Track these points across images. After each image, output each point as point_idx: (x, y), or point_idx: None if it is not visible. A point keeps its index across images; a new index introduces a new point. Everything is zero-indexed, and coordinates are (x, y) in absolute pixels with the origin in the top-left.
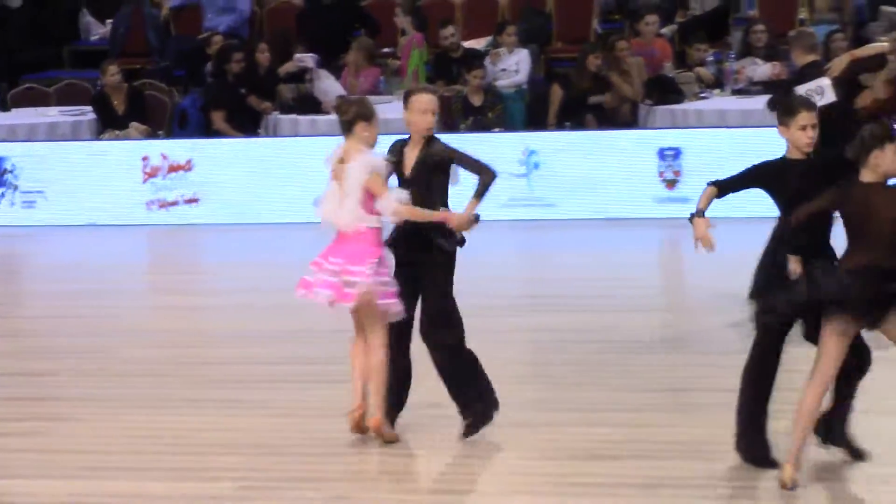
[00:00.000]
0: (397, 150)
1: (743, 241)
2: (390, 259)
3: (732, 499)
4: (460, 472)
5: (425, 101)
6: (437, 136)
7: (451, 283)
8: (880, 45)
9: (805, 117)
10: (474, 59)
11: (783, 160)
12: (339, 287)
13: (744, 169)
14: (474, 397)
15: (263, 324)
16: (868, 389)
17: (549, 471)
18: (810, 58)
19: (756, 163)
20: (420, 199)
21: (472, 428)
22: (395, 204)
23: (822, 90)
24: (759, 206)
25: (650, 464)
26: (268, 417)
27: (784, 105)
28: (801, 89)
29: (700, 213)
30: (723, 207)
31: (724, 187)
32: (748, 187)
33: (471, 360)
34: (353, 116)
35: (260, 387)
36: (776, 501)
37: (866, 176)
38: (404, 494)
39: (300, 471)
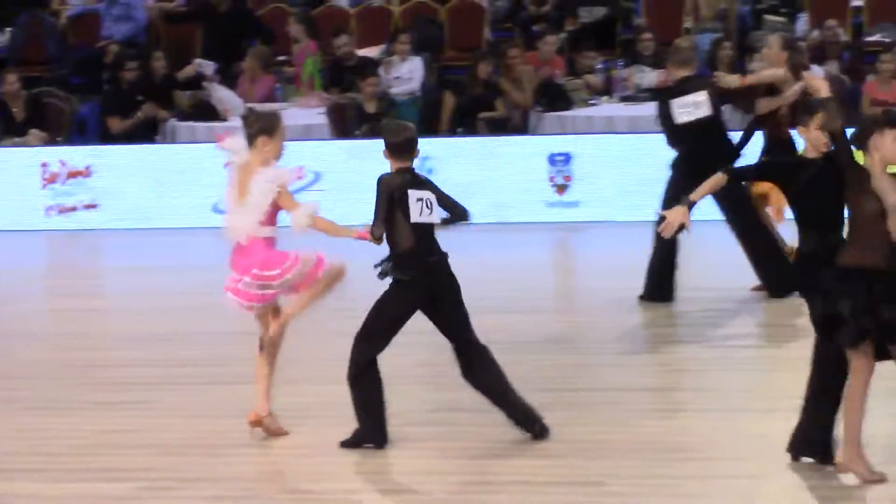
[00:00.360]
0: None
1: (632, 244)
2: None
3: (625, 496)
4: (358, 470)
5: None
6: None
7: (383, 302)
8: (773, 74)
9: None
10: (368, 68)
11: (799, 157)
12: (258, 295)
13: (758, 161)
14: (363, 416)
15: (160, 326)
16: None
17: (446, 470)
18: (684, 72)
19: (771, 158)
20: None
21: (350, 441)
22: (307, 218)
23: (697, 105)
24: (635, 211)
25: (544, 462)
26: (164, 418)
27: (804, 105)
28: (677, 103)
29: (692, 203)
30: (615, 211)
31: (736, 176)
32: (760, 179)
33: (369, 385)
34: (256, 130)
35: (155, 388)
36: (669, 497)
37: (867, 160)
38: (299, 493)
39: (197, 471)
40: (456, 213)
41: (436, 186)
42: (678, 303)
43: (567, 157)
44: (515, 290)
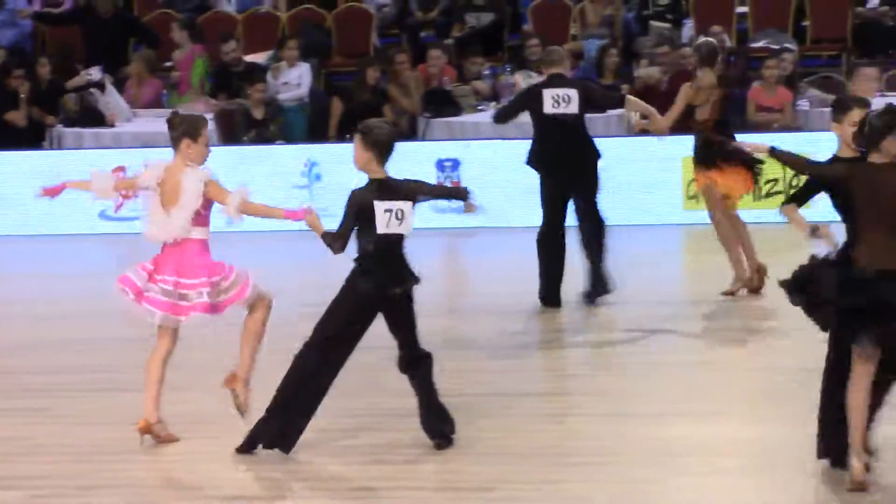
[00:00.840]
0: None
1: (521, 249)
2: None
3: (517, 501)
4: (255, 476)
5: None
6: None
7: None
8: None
9: (857, 114)
10: (255, 73)
11: (834, 159)
12: (172, 304)
13: (805, 181)
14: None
15: (52, 333)
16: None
17: (342, 476)
18: (555, 70)
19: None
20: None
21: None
22: (240, 203)
23: (568, 98)
24: (524, 217)
25: (437, 468)
26: (59, 426)
27: (838, 102)
28: (549, 93)
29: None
30: (504, 216)
31: (800, 200)
32: (816, 194)
33: (292, 384)
34: (180, 133)
35: (49, 395)
36: (562, 502)
37: (875, 158)
38: (192, 501)
39: (92, 478)
40: (457, 195)
41: (423, 184)
42: (568, 308)
43: (455, 163)
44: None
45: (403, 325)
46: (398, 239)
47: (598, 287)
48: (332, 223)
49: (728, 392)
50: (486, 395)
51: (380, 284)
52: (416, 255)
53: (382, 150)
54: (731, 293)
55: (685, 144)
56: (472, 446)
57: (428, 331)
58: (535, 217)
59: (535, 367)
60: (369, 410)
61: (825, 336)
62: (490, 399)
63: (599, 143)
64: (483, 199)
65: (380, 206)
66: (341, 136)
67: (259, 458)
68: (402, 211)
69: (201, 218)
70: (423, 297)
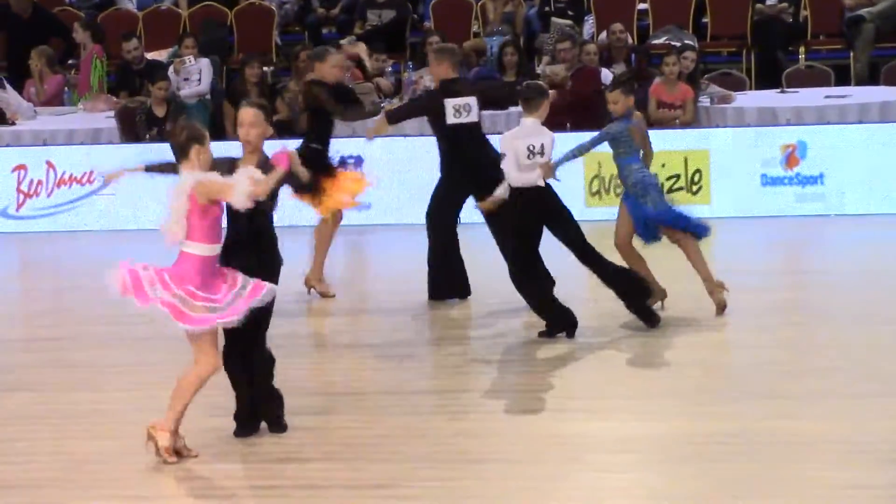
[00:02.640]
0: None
1: (420, 247)
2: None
3: (412, 499)
4: (145, 477)
5: (244, 115)
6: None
7: None
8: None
9: None
10: (157, 71)
11: None
12: (176, 307)
13: None
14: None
15: None
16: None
17: (241, 475)
18: (454, 74)
19: None
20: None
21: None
22: (250, 189)
23: (469, 108)
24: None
25: (329, 465)
26: None
27: None
28: (451, 104)
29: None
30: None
31: None
32: None
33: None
34: (186, 139)
35: None
36: (457, 500)
37: None
38: (89, 500)
39: None
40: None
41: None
42: (463, 304)
43: (358, 160)
44: (303, 293)
45: None
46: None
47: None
48: None
49: (625, 388)
50: (383, 393)
51: None
52: (307, 251)
53: None
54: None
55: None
56: (370, 444)
57: (327, 329)
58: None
59: (432, 364)
60: None
61: (721, 332)
62: (386, 397)
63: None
64: (384, 196)
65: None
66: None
67: (154, 459)
68: None
69: (194, 230)
70: (317, 295)
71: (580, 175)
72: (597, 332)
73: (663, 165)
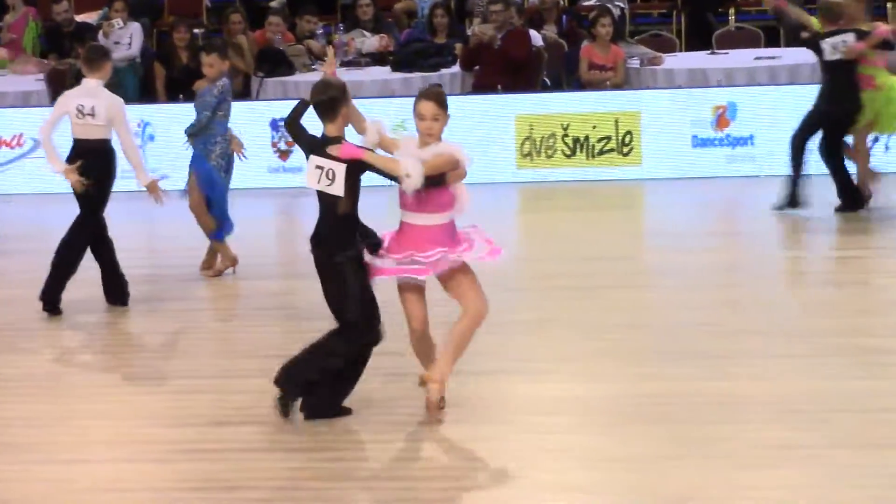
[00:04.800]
0: None
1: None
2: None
3: (346, 460)
4: (81, 439)
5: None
6: None
7: None
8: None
9: None
10: (87, 34)
11: None
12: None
13: None
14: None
15: None
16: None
17: (178, 438)
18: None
19: None
20: None
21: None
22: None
23: None
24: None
25: (276, 429)
26: None
27: None
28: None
29: None
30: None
31: None
32: None
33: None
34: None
35: None
36: (393, 461)
37: None
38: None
39: None
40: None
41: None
42: None
43: None
44: (242, 257)
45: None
46: (327, 199)
47: None
48: (166, 184)
49: (562, 350)
50: None
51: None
52: (250, 216)
53: (316, 111)
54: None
55: (519, 103)
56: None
57: (264, 292)
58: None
59: None
60: (210, 372)
61: (654, 293)
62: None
63: None
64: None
65: (314, 161)
66: (175, 97)
67: (85, 420)
68: (332, 171)
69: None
70: (259, 260)
71: (511, 137)
72: (530, 294)
73: (594, 127)
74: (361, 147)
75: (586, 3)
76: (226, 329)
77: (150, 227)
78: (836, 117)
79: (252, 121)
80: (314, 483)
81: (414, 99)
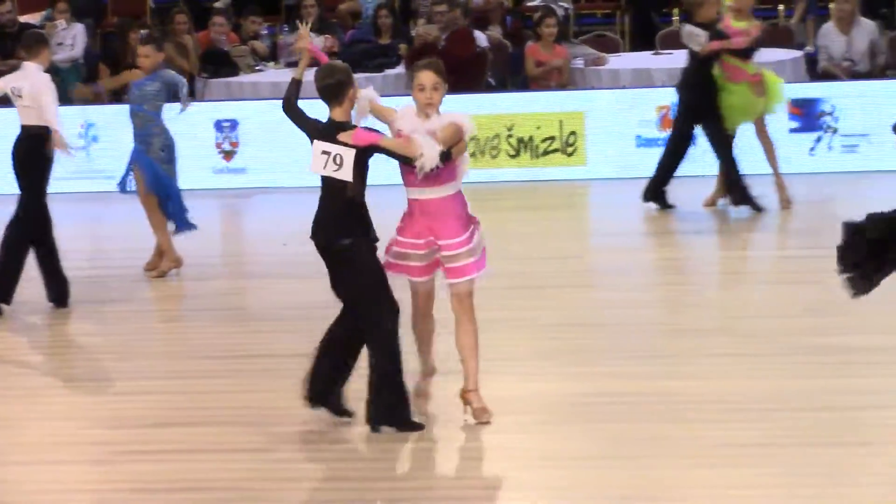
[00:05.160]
0: None
1: (298, 210)
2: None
3: (290, 461)
4: (22, 441)
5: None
6: None
7: None
8: None
9: None
10: None
11: None
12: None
13: None
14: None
15: None
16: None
17: (122, 439)
18: None
19: None
20: None
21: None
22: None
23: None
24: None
25: (211, 430)
26: None
27: None
28: None
29: None
30: (282, 177)
31: None
32: None
33: None
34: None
35: None
36: (336, 462)
37: None
38: None
39: None
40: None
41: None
42: None
43: (234, 124)
44: (186, 258)
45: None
46: (335, 184)
47: None
48: (109, 185)
49: (507, 349)
50: (259, 357)
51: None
52: (194, 216)
53: (321, 96)
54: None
55: (463, 103)
56: (250, 408)
57: (209, 293)
58: (314, 177)
59: (316, 329)
60: (139, 374)
61: (599, 292)
62: (270, 360)
63: None
64: (261, 160)
65: (319, 146)
66: (118, 98)
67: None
68: (340, 156)
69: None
70: (204, 261)
71: None
72: (476, 293)
73: (539, 128)
74: (374, 131)
75: (530, 4)
76: (170, 330)
77: (95, 228)
78: (687, 104)
79: (196, 122)
80: (260, 484)
81: (412, 72)
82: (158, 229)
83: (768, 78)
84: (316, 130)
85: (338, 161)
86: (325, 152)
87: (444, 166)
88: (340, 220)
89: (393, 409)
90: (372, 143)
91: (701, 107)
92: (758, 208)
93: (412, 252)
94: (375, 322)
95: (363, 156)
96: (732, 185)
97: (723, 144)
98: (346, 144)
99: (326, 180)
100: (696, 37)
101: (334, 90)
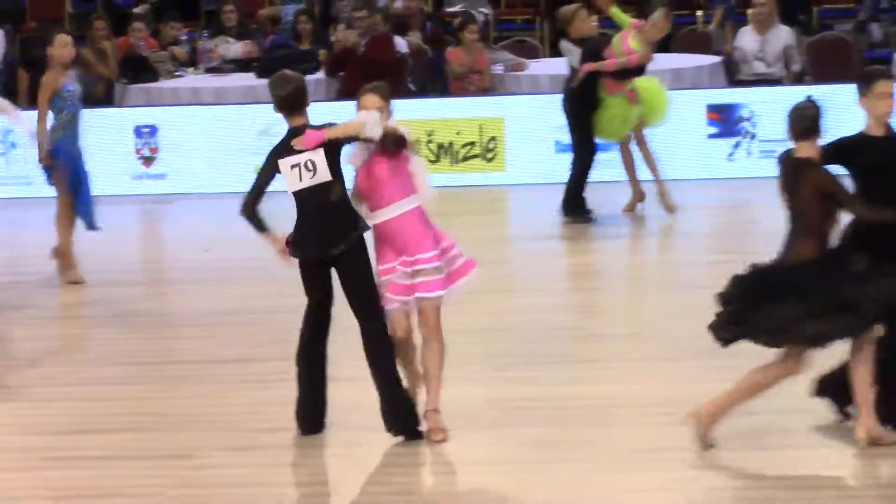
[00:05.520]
0: None
1: (219, 215)
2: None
3: (214, 468)
4: None
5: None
6: None
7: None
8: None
9: (882, 85)
10: None
11: (860, 136)
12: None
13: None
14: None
15: None
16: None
17: (42, 446)
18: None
19: (832, 140)
20: None
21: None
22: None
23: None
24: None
25: (131, 436)
26: None
27: (862, 75)
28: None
29: None
30: (202, 182)
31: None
32: (827, 164)
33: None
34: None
35: None
36: (260, 468)
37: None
38: None
39: None
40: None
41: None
42: (264, 274)
43: (153, 130)
44: (105, 264)
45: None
46: (318, 191)
47: None
48: (30, 191)
49: None
50: (184, 363)
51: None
52: (114, 223)
53: (282, 107)
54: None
55: None
56: (170, 413)
57: (126, 299)
58: (234, 183)
59: (234, 334)
60: (66, 381)
61: (519, 297)
62: (188, 366)
63: None
64: (181, 165)
65: (285, 164)
66: (35, 105)
67: None
68: (311, 162)
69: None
70: (121, 266)
71: None
72: None
73: (458, 133)
74: (320, 127)
75: (450, 10)
76: (88, 336)
77: (10, 234)
78: (573, 115)
79: (116, 127)
80: (179, 490)
81: (359, 95)
82: (66, 230)
83: (647, 90)
84: (275, 156)
85: (310, 167)
86: (294, 166)
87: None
88: (337, 225)
89: (410, 414)
90: (320, 141)
91: (582, 116)
92: (587, 221)
93: (394, 275)
94: (381, 318)
95: (330, 153)
96: (570, 194)
97: (583, 155)
98: (303, 151)
99: (300, 194)
100: (570, 53)
101: (293, 99)
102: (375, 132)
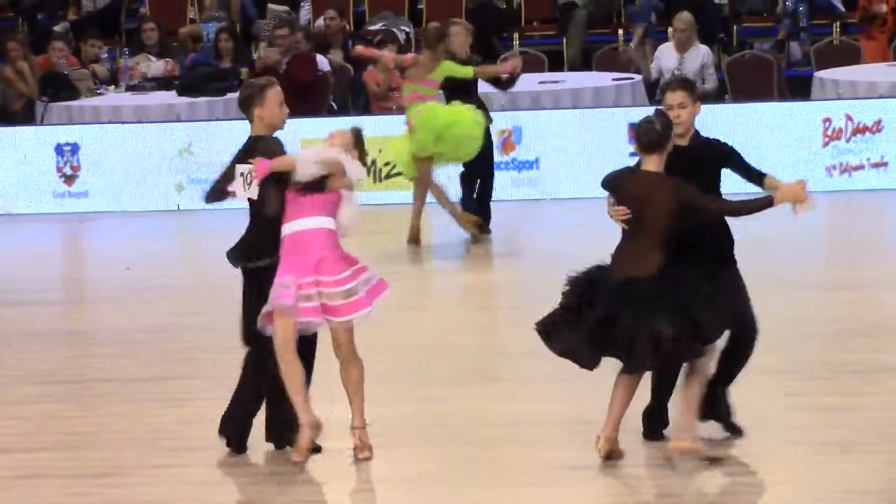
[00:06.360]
0: None
1: (142, 233)
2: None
3: (133, 486)
4: None
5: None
6: None
7: None
8: None
9: (670, 97)
10: None
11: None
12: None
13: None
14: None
15: None
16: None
17: None
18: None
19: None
20: None
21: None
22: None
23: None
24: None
25: (49, 455)
26: None
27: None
28: None
29: None
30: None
31: None
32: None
33: None
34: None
35: None
36: (177, 486)
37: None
38: None
39: None
40: None
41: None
42: (189, 291)
43: (74, 147)
44: (26, 283)
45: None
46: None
47: None
48: None
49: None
50: (102, 381)
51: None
52: (35, 242)
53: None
54: None
55: (305, 127)
56: (91, 433)
57: (45, 317)
58: (156, 201)
59: (154, 352)
60: None
61: (435, 315)
62: (106, 384)
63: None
64: (103, 183)
65: (238, 170)
66: None
67: None
68: (251, 173)
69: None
70: (41, 285)
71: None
72: None
73: (380, 151)
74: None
75: (371, 28)
76: (6, 354)
77: None
78: None
79: (36, 146)
80: None
81: None
82: None
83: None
84: (237, 160)
85: (248, 180)
86: (241, 174)
87: (317, 191)
88: (254, 242)
89: (290, 423)
90: (265, 174)
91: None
92: (477, 237)
93: (302, 293)
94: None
95: (271, 177)
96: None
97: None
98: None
99: (250, 203)
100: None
101: (244, 104)
102: (305, 174)
